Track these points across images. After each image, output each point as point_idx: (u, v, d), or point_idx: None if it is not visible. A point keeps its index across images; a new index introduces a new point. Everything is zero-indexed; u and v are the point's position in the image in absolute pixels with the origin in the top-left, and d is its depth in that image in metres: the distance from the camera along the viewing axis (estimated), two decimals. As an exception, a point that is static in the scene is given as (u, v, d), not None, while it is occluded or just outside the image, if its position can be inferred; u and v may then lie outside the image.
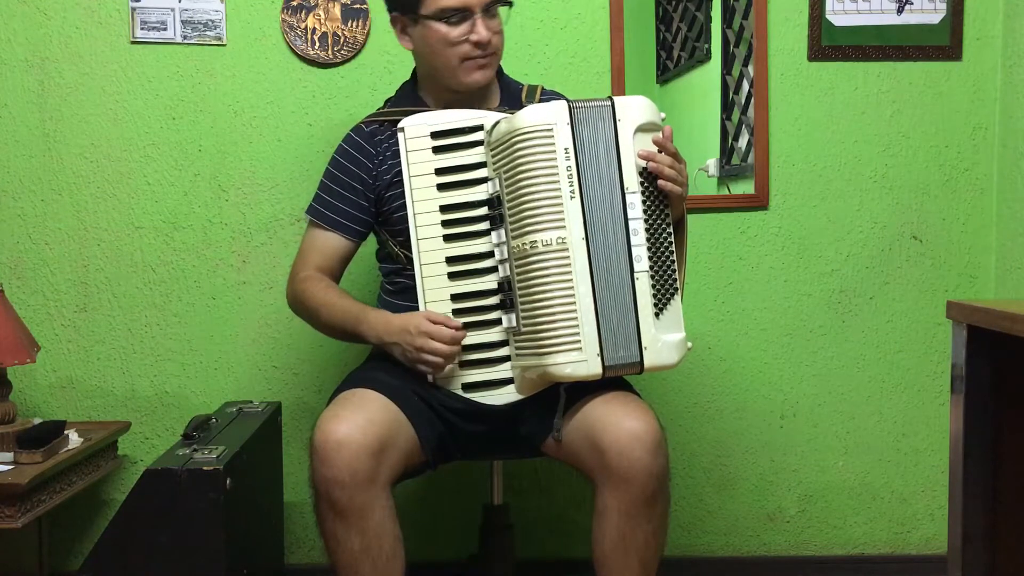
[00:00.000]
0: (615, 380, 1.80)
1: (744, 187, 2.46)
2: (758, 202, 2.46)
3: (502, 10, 1.91)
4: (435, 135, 1.84)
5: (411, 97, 2.01)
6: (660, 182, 1.74)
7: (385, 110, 2.02)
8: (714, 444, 2.51)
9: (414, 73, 2.04)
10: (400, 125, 1.84)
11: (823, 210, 2.48)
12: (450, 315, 1.81)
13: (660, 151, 1.74)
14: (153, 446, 2.42)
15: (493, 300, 1.80)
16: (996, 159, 2.48)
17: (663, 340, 1.74)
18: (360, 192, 1.95)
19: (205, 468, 1.72)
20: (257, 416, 2.15)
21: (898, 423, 2.52)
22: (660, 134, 1.77)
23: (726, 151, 2.46)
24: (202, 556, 1.71)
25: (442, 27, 1.86)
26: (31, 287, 2.39)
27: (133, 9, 2.36)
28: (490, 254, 1.81)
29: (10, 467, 1.98)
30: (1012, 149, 2.42)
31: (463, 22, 1.86)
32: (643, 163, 1.74)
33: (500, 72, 2.04)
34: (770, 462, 2.52)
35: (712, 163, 2.45)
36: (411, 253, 1.84)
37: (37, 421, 2.19)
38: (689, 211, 2.42)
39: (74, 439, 2.14)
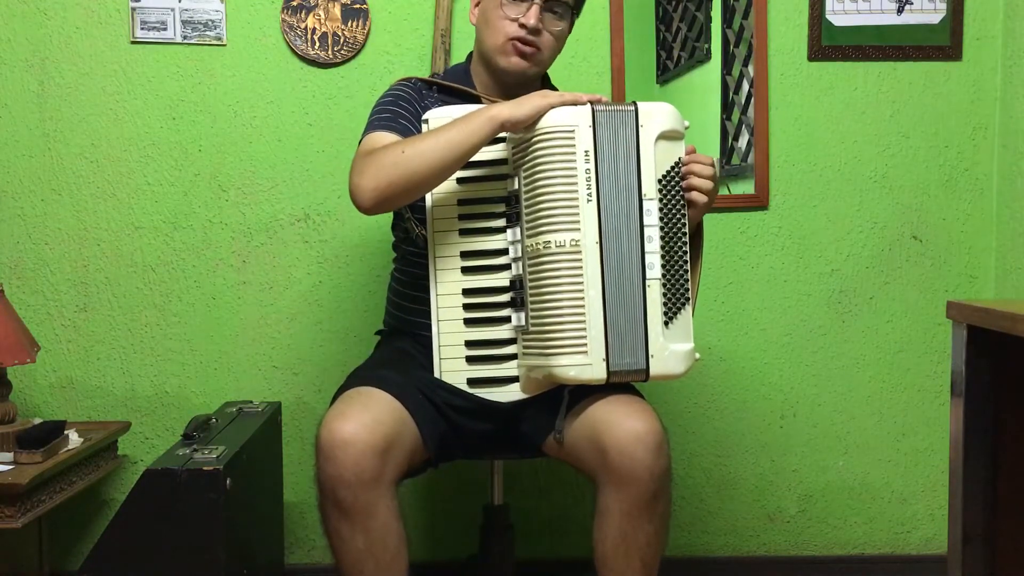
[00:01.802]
0: (619, 383, 1.80)
1: (744, 187, 2.46)
2: (758, 202, 2.46)
3: (564, 26, 1.91)
4: None
5: (462, 74, 2.00)
6: (686, 181, 1.75)
7: (434, 78, 2.01)
8: (714, 444, 2.51)
9: (469, 55, 2.03)
10: (424, 117, 1.82)
11: (823, 210, 2.48)
12: (462, 309, 1.81)
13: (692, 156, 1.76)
14: (153, 446, 2.43)
15: (504, 297, 1.80)
16: (996, 159, 2.48)
17: (671, 349, 1.73)
18: (413, 121, 1.89)
19: (205, 468, 1.72)
20: (257, 416, 2.14)
21: (898, 423, 2.53)
22: (683, 148, 1.77)
23: (726, 151, 2.46)
24: (202, 556, 1.71)
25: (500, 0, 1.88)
26: (31, 287, 2.39)
27: (133, 9, 2.36)
28: (504, 251, 1.80)
29: (10, 467, 1.98)
30: (1012, 149, 2.42)
31: (522, 2, 1.86)
32: (663, 169, 1.74)
33: (547, 84, 2.03)
34: (770, 462, 2.52)
35: (712, 163, 2.45)
36: (426, 232, 1.84)
37: (37, 421, 2.19)
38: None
39: (74, 439, 2.14)
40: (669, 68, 2.44)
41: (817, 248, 2.49)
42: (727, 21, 2.44)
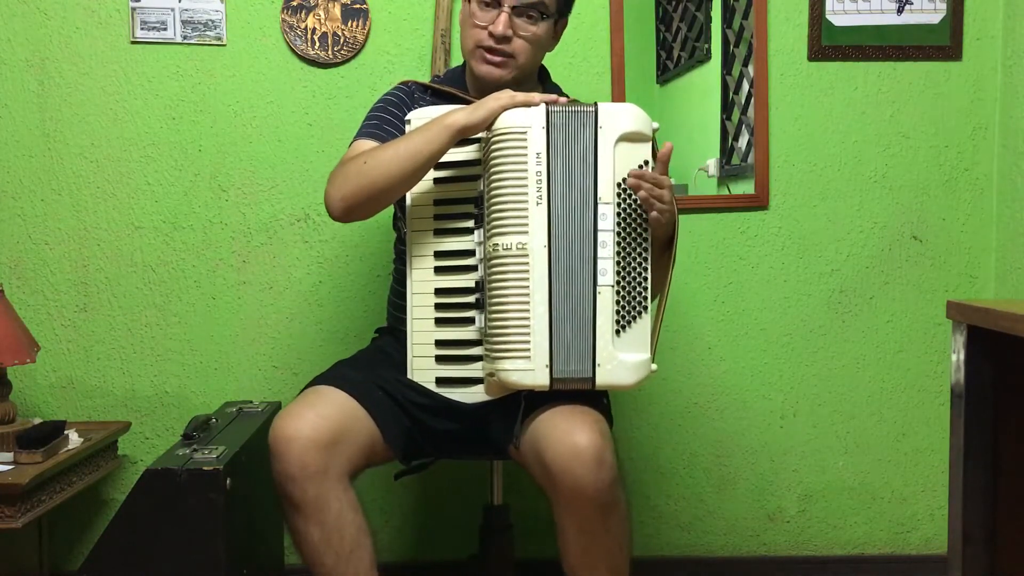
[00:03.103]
0: (580, 391, 1.76)
1: (744, 187, 2.46)
2: (758, 202, 2.46)
3: (546, 25, 1.89)
4: None
5: (459, 76, 2.01)
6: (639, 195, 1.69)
7: (430, 82, 2.01)
8: (714, 444, 2.51)
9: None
10: (407, 117, 1.83)
11: (823, 210, 2.48)
12: (433, 309, 1.81)
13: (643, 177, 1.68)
14: (153, 446, 2.43)
15: (471, 298, 1.80)
16: (996, 159, 2.48)
17: (620, 359, 1.70)
18: (400, 126, 1.91)
19: (205, 468, 1.72)
20: (257, 416, 2.15)
21: (898, 423, 2.52)
22: (648, 150, 1.72)
23: (726, 151, 2.46)
24: (202, 556, 1.71)
25: (469, 7, 1.88)
26: (31, 287, 2.39)
27: (133, 9, 2.36)
28: (473, 252, 1.80)
29: (10, 467, 1.98)
30: (1012, 149, 2.42)
31: (490, 10, 1.86)
32: (625, 173, 1.70)
33: (546, 79, 2.03)
34: (770, 462, 2.52)
35: (712, 163, 2.45)
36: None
37: (37, 421, 2.19)
38: (689, 211, 2.44)
39: (74, 439, 2.14)
40: (669, 68, 2.44)
41: (817, 248, 2.49)
42: (727, 21, 2.43)
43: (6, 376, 2.12)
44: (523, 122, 1.70)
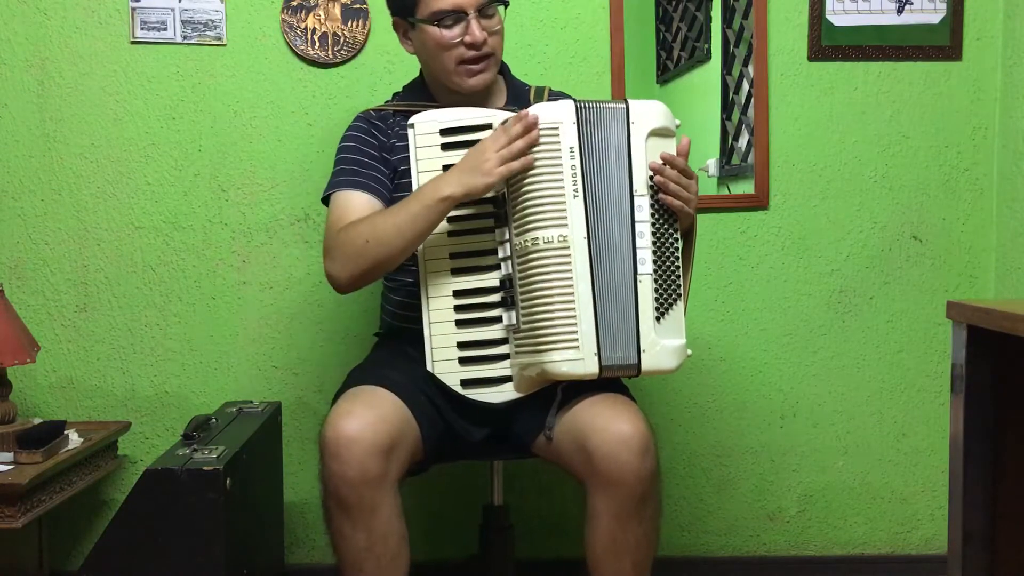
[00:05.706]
0: (610, 381, 1.80)
1: (744, 187, 2.46)
2: (758, 202, 2.46)
3: (501, 10, 1.90)
4: (444, 132, 1.82)
5: (421, 91, 2.00)
6: (661, 195, 1.74)
7: (394, 103, 2.01)
8: (714, 444, 2.51)
9: (423, 70, 2.03)
10: (410, 121, 1.83)
11: (823, 210, 2.48)
12: (452, 311, 1.81)
13: (667, 165, 1.74)
14: (153, 446, 2.43)
15: (495, 297, 1.80)
16: (996, 159, 2.48)
17: (662, 344, 1.73)
18: (381, 160, 1.92)
19: (205, 468, 1.72)
20: (257, 416, 2.14)
21: (898, 423, 2.53)
22: (673, 145, 1.77)
23: (726, 151, 2.46)
24: (202, 556, 1.71)
25: (437, 31, 1.86)
26: (31, 287, 2.39)
27: (133, 9, 2.36)
28: (493, 251, 1.80)
29: (10, 467, 1.98)
30: (1012, 149, 2.42)
31: (457, 24, 1.85)
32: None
33: (507, 72, 2.04)
34: (770, 462, 2.52)
35: (712, 163, 2.45)
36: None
37: (37, 421, 2.19)
38: (689, 211, 2.43)
39: (74, 439, 2.14)
40: (669, 68, 2.44)
41: (817, 248, 2.49)
42: (727, 21, 2.44)
43: (6, 376, 2.12)
44: (554, 117, 1.72)
